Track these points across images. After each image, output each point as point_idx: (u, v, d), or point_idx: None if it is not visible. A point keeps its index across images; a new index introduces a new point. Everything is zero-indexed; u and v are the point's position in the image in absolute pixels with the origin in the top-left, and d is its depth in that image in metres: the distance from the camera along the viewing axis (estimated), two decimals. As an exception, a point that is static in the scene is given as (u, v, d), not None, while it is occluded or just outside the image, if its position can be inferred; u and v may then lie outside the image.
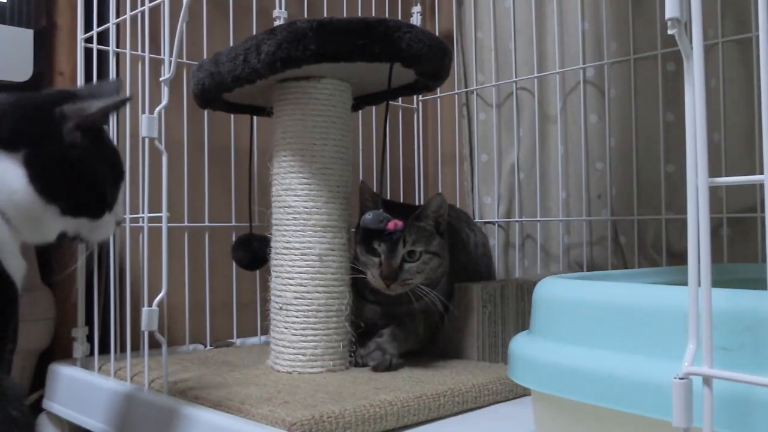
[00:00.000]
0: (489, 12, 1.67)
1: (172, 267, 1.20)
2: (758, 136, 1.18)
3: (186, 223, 1.37)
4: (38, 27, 1.33)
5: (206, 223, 1.41)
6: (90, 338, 1.22)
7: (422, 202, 1.31)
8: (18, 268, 0.73)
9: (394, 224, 1.04)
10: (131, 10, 1.15)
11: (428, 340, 1.20)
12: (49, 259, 1.29)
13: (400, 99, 1.72)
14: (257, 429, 0.81)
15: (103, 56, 1.25)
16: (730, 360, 0.50)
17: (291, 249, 1.09)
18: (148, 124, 1.00)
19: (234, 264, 1.34)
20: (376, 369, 1.07)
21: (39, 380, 1.27)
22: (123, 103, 0.81)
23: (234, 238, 1.30)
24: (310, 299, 1.08)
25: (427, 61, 1.07)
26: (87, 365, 1.20)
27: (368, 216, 1.05)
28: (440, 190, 1.71)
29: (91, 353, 1.21)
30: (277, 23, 1.49)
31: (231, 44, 1.15)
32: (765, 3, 0.44)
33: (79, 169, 0.75)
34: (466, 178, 1.72)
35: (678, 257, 1.31)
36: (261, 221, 1.27)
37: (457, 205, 1.63)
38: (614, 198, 1.43)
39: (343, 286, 1.11)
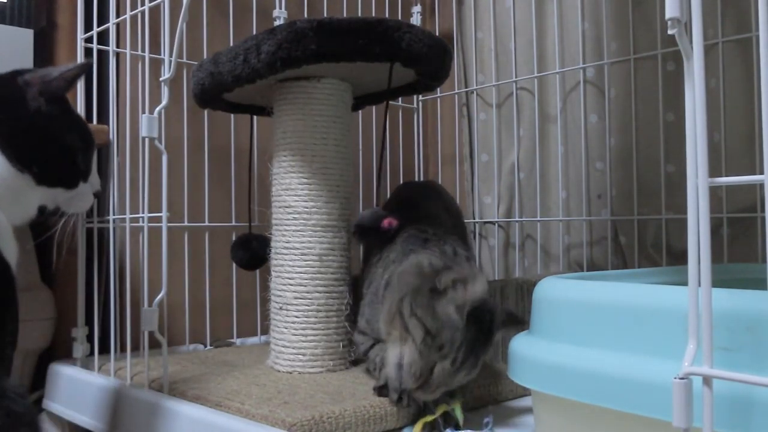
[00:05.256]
0: (489, 12, 1.67)
1: (172, 267, 1.20)
2: (758, 136, 1.18)
3: (186, 223, 1.37)
4: (38, 27, 1.33)
5: (206, 223, 1.41)
6: (90, 338, 1.22)
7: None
8: (12, 252, 0.72)
9: (389, 222, 1.03)
10: (131, 10, 1.15)
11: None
12: (50, 259, 1.29)
13: (400, 99, 1.72)
14: (257, 429, 0.81)
15: (103, 56, 1.25)
16: (730, 360, 0.50)
17: (291, 249, 1.09)
18: (148, 124, 1.00)
19: (234, 264, 1.34)
20: None
21: (39, 380, 1.27)
22: (83, 68, 0.81)
23: (234, 238, 1.30)
24: (310, 299, 1.08)
25: (427, 61, 1.07)
26: (87, 365, 1.20)
27: (365, 213, 1.04)
28: (440, 190, 1.70)
29: (91, 353, 1.21)
30: (277, 23, 1.49)
31: (231, 44, 1.15)
32: (765, 3, 0.44)
33: (46, 136, 0.75)
34: (466, 178, 1.72)
35: (678, 257, 1.31)
36: (261, 221, 1.27)
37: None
38: (614, 198, 1.43)
39: (343, 286, 1.11)
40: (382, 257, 1.05)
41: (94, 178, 0.83)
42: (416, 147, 1.78)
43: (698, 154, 0.47)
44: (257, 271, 1.32)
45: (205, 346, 1.39)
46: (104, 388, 1.09)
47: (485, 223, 1.67)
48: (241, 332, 1.46)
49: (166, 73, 1.01)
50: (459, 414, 0.85)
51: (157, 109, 1.01)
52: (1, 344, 0.71)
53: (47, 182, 0.75)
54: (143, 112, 1.02)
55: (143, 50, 1.16)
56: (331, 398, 0.88)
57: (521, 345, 0.72)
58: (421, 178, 1.77)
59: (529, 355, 0.70)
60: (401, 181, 1.73)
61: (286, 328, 1.09)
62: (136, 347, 1.10)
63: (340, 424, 0.81)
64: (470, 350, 0.81)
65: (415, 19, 1.74)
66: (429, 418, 0.83)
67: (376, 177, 1.10)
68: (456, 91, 1.72)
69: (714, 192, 1.21)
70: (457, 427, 0.85)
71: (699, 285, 0.47)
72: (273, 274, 1.13)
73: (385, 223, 1.02)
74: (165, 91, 1.01)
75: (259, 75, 1.03)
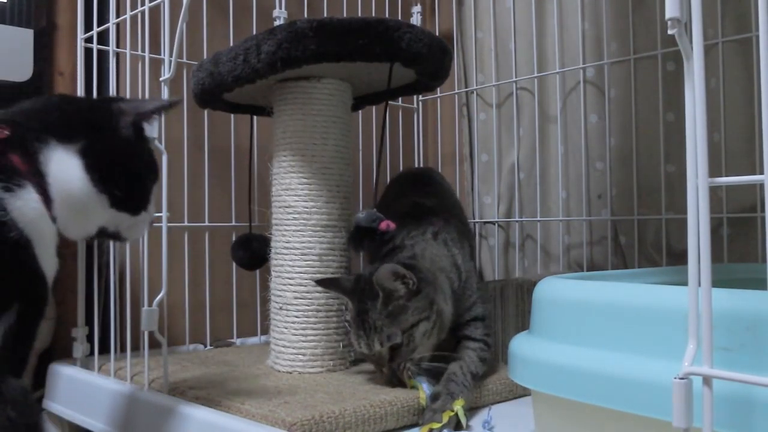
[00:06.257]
0: (489, 12, 1.67)
1: (172, 267, 1.20)
2: (758, 136, 1.18)
3: (186, 223, 1.37)
4: (38, 27, 1.33)
5: (206, 223, 1.41)
6: (90, 338, 1.22)
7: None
8: (51, 267, 0.73)
9: (386, 224, 1.02)
10: (131, 10, 1.15)
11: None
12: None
13: (400, 99, 1.72)
14: (257, 429, 0.81)
15: (103, 56, 1.25)
16: (730, 360, 0.50)
17: (291, 249, 1.09)
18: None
19: (234, 264, 1.34)
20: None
21: (39, 380, 1.27)
22: (172, 106, 0.86)
23: (234, 238, 1.30)
24: (310, 299, 1.08)
25: (427, 60, 1.07)
26: (87, 365, 1.20)
27: (361, 215, 1.04)
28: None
29: (91, 353, 1.21)
30: (277, 23, 1.49)
31: (231, 44, 1.15)
32: (765, 3, 0.44)
33: (128, 164, 0.78)
34: (466, 178, 1.72)
35: (678, 257, 1.31)
36: (261, 221, 1.27)
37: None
38: (614, 198, 1.43)
39: (343, 286, 1.11)
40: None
41: (152, 207, 0.85)
42: (416, 147, 1.78)
43: (698, 154, 0.47)
44: (257, 271, 1.32)
45: (205, 346, 1.39)
46: (104, 388, 1.09)
47: (485, 223, 1.67)
48: (241, 332, 1.46)
49: (166, 73, 1.01)
50: (462, 415, 0.85)
51: (157, 109, 1.01)
52: (25, 353, 0.71)
53: (119, 206, 0.77)
54: (143, 112, 1.02)
55: (143, 50, 1.16)
56: (331, 398, 0.88)
57: (521, 345, 0.72)
58: (421, 178, 1.77)
59: (529, 355, 0.70)
60: (401, 181, 1.73)
61: (286, 328, 1.09)
62: (136, 347, 1.10)
63: (340, 424, 0.81)
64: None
65: (415, 19, 1.74)
66: (435, 425, 0.83)
67: (375, 177, 1.10)
68: (456, 91, 1.72)
69: (714, 192, 1.21)
70: (458, 427, 0.85)
71: (699, 285, 0.47)
72: (273, 274, 1.13)
73: (383, 225, 1.02)
74: (165, 91, 1.01)
75: (259, 75, 1.03)
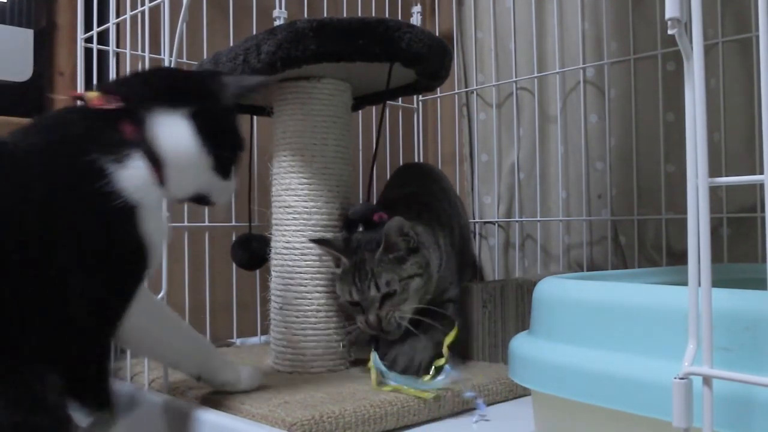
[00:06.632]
0: (489, 12, 1.67)
1: (172, 267, 1.20)
2: (758, 136, 1.18)
3: (186, 223, 1.37)
4: (38, 27, 1.33)
5: (206, 223, 1.41)
6: (90, 338, 1.22)
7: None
8: (159, 231, 0.77)
9: (379, 216, 1.05)
10: (131, 10, 1.15)
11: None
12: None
13: (400, 99, 1.72)
14: (257, 429, 0.81)
15: (103, 56, 1.25)
16: (730, 360, 0.50)
17: (291, 249, 1.09)
18: (148, 124, 1.00)
19: (234, 264, 1.34)
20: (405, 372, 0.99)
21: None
22: (266, 84, 0.97)
23: (234, 238, 1.30)
24: (310, 299, 1.08)
25: (427, 61, 1.07)
26: (87, 365, 1.20)
27: (356, 207, 1.07)
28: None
29: (91, 353, 1.21)
30: (277, 23, 1.49)
31: (231, 44, 1.15)
32: (765, 3, 0.44)
33: (228, 131, 0.85)
34: (466, 178, 1.72)
35: (678, 257, 1.31)
36: (261, 221, 1.27)
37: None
38: (614, 198, 1.43)
39: (343, 286, 1.11)
40: None
41: (234, 177, 0.90)
42: (416, 147, 1.78)
43: (698, 154, 0.47)
44: (257, 271, 1.32)
45: (205, 346, 1.39)
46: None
47: (485, 223, 1.67)
48: (241, 332, 1.46)
49: (166, 73, 1.01)
50: (444, 361, 0.92)
51: (157, 109, 1.01)
52: (116, 318, 0.74)
53: (218, 169, 0.83)
54: (143, 112, 1.02)
55: (143, 50, 1.16)
56: (331, 398, 0.88)
57: (521, 345, 0.72)
58: (421, 178, 1.77)
59: (529, 355, 0.70)
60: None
61: (286, 328, 1.09)
62: (136, 347, 1.10)
63: (340, 424, 0.81)
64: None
65: (415, 19, 1.74)
66: (425, 394, 0.88)
67: (370, 173, 1.10)
68: (456, 91, 1.72)
69: (714, 192, 1.21)
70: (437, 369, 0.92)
71: (699, 285, 0.47)
72: (273, 274, 1.13)
73: (376, 217, 1.04)
74: (165, 91, 1.01)
75: (259, 75, 1.03)
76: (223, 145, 0.83)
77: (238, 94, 0.86)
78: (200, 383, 0.95)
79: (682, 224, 0.92)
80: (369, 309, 1.00)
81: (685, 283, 0.49)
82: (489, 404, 0.98)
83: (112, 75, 1.18)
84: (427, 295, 1.06)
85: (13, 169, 0.68)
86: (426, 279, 1.04)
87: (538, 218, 1.55)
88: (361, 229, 1.07)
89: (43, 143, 0.72)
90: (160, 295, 0.99)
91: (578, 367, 0.62)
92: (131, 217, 0.72)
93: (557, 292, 0.70)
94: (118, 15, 1.17)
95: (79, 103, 0.81)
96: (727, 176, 0.82)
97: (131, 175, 0.73)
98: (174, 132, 0.78)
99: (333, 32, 0.99)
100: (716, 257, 0.92)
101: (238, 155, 0.88)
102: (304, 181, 1.10)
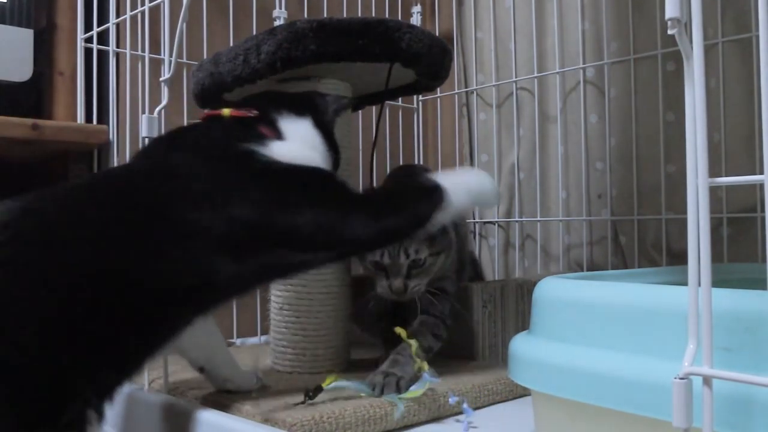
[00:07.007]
0: (489, 12, 1.67)
1: (172, 267, 1.19)
2: (758, 136, 1.18)
3: (186, 223, 1.37)
4: (38, 27, 1.33)
5: (206, 223, 1.41)
6: (90, 338, 1.22)
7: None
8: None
9: None
10: (131, 10, 1.15)
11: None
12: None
13: (400, 99, 1.72)
14: (257, 429, 0.81)
15: (103, 56, 1.25)
16: (730, 360, 0.50)
17: (291, 249, 1.09)
18: (148, 124, 1.00)
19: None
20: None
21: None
22: (349, 105, 1.11)
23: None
24: (310, 299, 1.08)
25: (427, 61, 1.06)
26: (87, 365, 1.20)
27: None
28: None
29: (91, 353, 1.21)
30: (277, 23, 1.49)
31: (231, 44, 1.15)
32: (765, 3, 0.44)
33: (332, 138, 0.95)
34: (466, 178, 1.72)
35: (678, 257, 1.31)
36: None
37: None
38: (614, 198, 1.43)
39: (344, 286, 1.11)
40: None
41: None
42: (416, 147, 1.78)
43: (698, 154, 0.47)
44: (257, 271, 1.32)
45: (205, 346, 1.39)
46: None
47: (485, 223, 1.67)
48: (241, 332, 1.46)
49: (166, 73, 1.01)
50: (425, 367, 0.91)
51: (157, 109, 1.01)
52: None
53: (335, 167, 0.94)
54: (143, 112, 1.02)
55: (143, 50, 1.16)
56: (331, 398, 0.88)
57: (521, 345, 0.72)
58: (421, 178, 1.77)
59: (529, 355, 0.70)
60: (401, 181, 1.73)
61: (286, 328, 1.09)
62: (136, 347, 1.09)
63: (340, 424, 0.81)
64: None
65: (415, 19, 1.74)
66: (416, 393, 0.88)
67: (370, 171, 1.10)
68: (456, 91, 1.72)
69: (714, 192, 1.21)
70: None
71: (699, 285, 0.47)
72: (273, 274, 1.12)
73: None
74: (165, 91, 1.01)
75: (259, 75, 1.03)
76: (334, 149, 0.94)
77: (336, 111, 0.98)
78: (200, 383, 0.95)
79: (682, 224, 0.92)
80: (396, 274, 1.02)
81: (685, 283, 0.49)
82: (489, 404, 0.98)
83: (112, 75, 1.18)
84: (440, 273, 1.09)
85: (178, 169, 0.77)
86: (446, 258, 1.08)
87: (538, 218, 1.55)
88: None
89: (194, 146, 0.82)
90: (160, 295, 0.99)
91: (578, 367, 0.62)
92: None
93: (557, 292, 0.70)
94: (118, 15, 1.17)
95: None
96: (727, 176, 0.82)
97: (276, 149, 0.82)
98: (306, 134, 0.89)
99: (333, 32, 0.99)
100: (716, 257, 0.92)
101: (339, 160, 0.98)
102: (304, 181, 1.09)
